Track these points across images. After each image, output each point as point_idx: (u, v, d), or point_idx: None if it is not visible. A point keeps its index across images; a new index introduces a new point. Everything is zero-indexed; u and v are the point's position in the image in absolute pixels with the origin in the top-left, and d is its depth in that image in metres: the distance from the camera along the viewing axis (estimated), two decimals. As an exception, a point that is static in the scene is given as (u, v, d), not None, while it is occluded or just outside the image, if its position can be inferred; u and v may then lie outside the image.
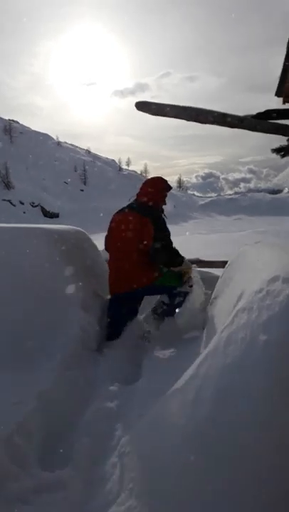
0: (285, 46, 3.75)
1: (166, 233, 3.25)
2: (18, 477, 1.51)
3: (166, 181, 3.50)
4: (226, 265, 2.72)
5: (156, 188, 3.41)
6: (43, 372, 2.18)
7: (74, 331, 2.75)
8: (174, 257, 3.34)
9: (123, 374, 2.51)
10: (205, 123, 4.30)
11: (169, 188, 3.52)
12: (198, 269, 4.79)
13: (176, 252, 3.36)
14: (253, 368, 1.05)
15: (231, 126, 4.17)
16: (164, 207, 3.49)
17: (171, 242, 3.30)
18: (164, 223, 3.29)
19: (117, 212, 3.35)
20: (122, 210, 3.32)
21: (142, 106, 4.49)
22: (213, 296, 2.77)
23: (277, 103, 4.41)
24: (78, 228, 3.65)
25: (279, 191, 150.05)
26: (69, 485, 1.53)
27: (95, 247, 3.75)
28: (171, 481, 1.10)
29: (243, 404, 1.02)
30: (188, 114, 4.19)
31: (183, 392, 1.26)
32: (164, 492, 1.10)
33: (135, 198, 3.41)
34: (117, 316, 3.19)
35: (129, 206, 3.31)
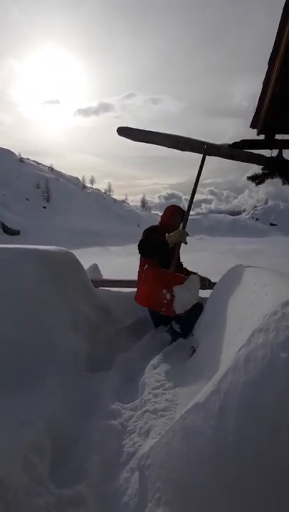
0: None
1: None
2: (40, 494, 1.56)
3: (174, 207, 4.09)
4: (216, 286, 2.88)
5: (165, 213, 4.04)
6: (47, 392, 2.22)
7: (64, 353, 2.79)
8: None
9: (120, 393, 2.58)
10: (184, 150, 4.53)
11: (178, 211, 3.99)
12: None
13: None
14: (277, 384, 1.18)
15: (209, 154, 4.40)
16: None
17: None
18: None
19: None
20: None
21: (124, 131, 4.66)
22: (204, 317, 2.91)
23: (246, 133, 4.74)
24: (66, 249, 3.72)
25: (239, 213, 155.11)
26: (88, 499, 1.60)
27: (82, 268, 3.82)
28: (203, 488, 1.20)
29: (267, 417, 1.15)
30: (169, 141, 4.39)
31: (206, 407, 1.37)
32: (197, 498, 1.20)
33: None
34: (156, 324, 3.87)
35: None
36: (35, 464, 1.70)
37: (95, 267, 4.65)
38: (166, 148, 4.66)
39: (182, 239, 3.59)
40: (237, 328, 1.78)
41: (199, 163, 4.03)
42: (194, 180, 3.99)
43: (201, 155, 4.25)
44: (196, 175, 4.07)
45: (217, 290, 2.81)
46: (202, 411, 1.40)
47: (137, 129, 4.54)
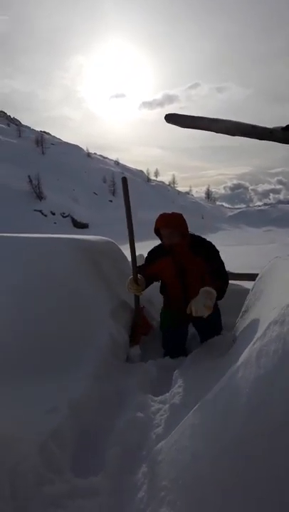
0: None
1: None
2: (52, 482, 1.56)
3: (161, 217, 3.06)
4: (257, 278, 2.71)
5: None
6: (75, 382, 2.23)
7: (104, 341, 2.80)
8: None
9: (154, 384, 2.52)
10: (234, 135, 4.31)
11: (165, 224, 3.02)
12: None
13: None
14: (287, 380, 1.05)
15: (260, 138, 4.15)
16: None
17: None
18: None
19: None
20: None
21: (171, 118, 4.54)
22: (243, 309, 2.75)
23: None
24: (108, 239, 3.72)
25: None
26: (102, 492, 1.56)
27: (124, 257, 3.80)
28: (209, 488, 1.10)
29: (276, 414, 1.03)
30: (217, 126, 4.21)
31: (214, 403, 1.27)
32: (202, 500, 1.11)
33: None
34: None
35: None
36: (54, 452, 1.70)
37: (140, 257, 4.61)
38: (232, 137, 4.48)
39: (135, 292, 3.06)
40: (263, 321, 1.64)
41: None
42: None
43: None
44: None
45: (257, 283, 2.63)
46: (210, 408, 1.29)
47: (184, 115, 4.40)
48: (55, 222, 72.24)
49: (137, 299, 3.32)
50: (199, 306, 2.54)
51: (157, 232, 3.07)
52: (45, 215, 74.00)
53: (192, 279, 3.00)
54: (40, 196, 77.44)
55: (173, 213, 3.05)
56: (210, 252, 2.98)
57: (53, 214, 75.32)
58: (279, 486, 0.94)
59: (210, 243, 3.06)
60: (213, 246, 3.04)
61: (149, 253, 3.24)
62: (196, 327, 3.32)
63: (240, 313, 2.85)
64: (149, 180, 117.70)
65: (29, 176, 77.71)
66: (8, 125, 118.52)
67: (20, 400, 1.98)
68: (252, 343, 1.31)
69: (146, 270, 3.14)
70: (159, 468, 1.43)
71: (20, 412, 1.85)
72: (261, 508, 0.96)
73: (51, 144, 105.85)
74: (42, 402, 2.01)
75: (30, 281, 2.81)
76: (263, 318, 1.75)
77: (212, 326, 3.16)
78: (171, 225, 2.96)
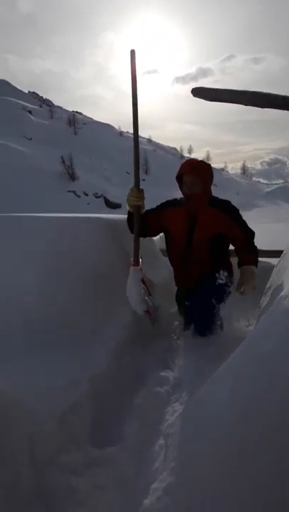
0: None
1: None
2: (70, 451, 1.62)
3: (186, 162, 2.90)
4: (282, 254, 2.64)
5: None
6: (96, 357, 2.28)
7: (127, 318, 2.85)
8: None
9: (175, 361, 2.55)
10: (263, 107, 4.14)
11: (187, 169, 2.83)
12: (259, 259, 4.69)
13: None
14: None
15: (291, 109, 3.97)
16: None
17: None
18: None
19: None
20: None
21: (198, 92, 4.42)
22: (267, 286, 2.70)
23: None
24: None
25: None
26: (117, 462, 1.62)
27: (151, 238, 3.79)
28: (213, 462, 1.12)
29: (280, 386, 1.01)
30: (245, 98, 4.06)
31: (223, 377, 1.28)
32: (204, 471, 1.12)
33: None
34: None
35: None
36: (73, 423, 1.77)
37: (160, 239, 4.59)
38: (269, 110, 4.33)
39: (133, 201, 2.77)
40: (282, 296, 1.61)
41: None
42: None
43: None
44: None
45: (281, 260, 2.57)
46: (219, 381, 1.30)
47: (211, 88, 4.26)
48: (88, 203, 72.93)
49: (137, 216, 2.82)
50: (250, 288, 2.76)
51: (179, 179, 2.86)
52: (79, 196, 74.77)
53: (201, 236, 2.78)
54: (73, 177, 78.12)
55: (201, 161, 2.88)
56: (232, 212, 2.81)
57: (86, 195, 75.96)
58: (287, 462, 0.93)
59: (231, 204, 2.88)
60: (235, 206, 2.87)
61: (161, 204, 3.03)
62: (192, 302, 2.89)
63: (265, 290, 2.80)
64: (182, 157, 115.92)
65: (62, 157, 78.35)
66: (41, 106, 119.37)
67: (44, 372, 2.05)
68: (265, 316, 1.29)
69: (154, 217, 2.92)
70: (172, 440, 1.45)
71: (42, 383, 1.93)
72: (274, 475, 0.95)
73: (83, 123, 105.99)
74: (64, 375, 2.08)
75: (58, 258, 2.88)
76: (284, 293, 1.72)
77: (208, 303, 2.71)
78: (196, 172, 2.75)
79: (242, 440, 1.07)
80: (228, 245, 3.01)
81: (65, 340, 2.42)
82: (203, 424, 1.25)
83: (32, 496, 1.41)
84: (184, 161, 2.87)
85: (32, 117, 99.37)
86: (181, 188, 2.87)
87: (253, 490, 0.97)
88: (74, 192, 75.30)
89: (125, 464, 1.61)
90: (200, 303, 2.73)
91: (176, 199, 3.00)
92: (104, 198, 77.25)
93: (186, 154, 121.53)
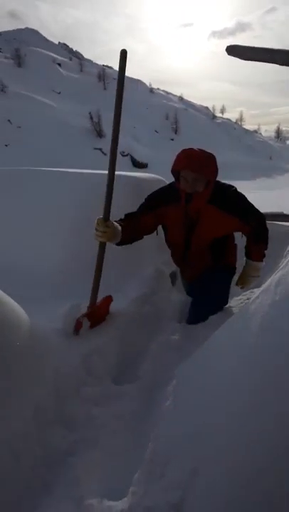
0: None
1: None
2: (92, 385, 1.82)
3: (183, 152, 2.36)
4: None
5: None
6: (120, 306, 2.44)
7: (149, 272, 2.99)
8: None
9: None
10: (302, 67, 4.01)
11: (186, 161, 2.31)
12: (281, 223, 4.72)
13: None
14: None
15: None
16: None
17: None
18: None
19: None
20: None
21: (233, 50, 4.29)
22: (288, 249, 2.77)
23: None
24: (158, 176, 3.76)
25: None
26: (135, 397, 1.80)
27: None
28: (217, 401, 1.24)
29: (285, 339, 1.12)
30: (282, 57, 3.93)
31: (231, 327, 1.39)
32: (209, 409, 1.27)
33: None
34: None
35: None
36: (96, 363, 1.96)
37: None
38: None
39: (97, 237, 2.27)
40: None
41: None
42: None
43: None
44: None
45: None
46: (227, 331, 1.41)
47: (246, 46, 4.13)
48: (115, 161, 71.94)
49: (101, 251, 2.32)
50: (250, 284, 2.67)
51: (176, 172, 2.38)
52: (105, 154, 73.82)
53: (199, 242, 2.50)
54: (100, 134, 76.94)
55: (203, 152, 2.32)
56: (237, 205, 2.40)
57: (113, 153, 74.88)
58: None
59: (234, 192, 2.44)
60: (238, 194, 2.44)
61: (149, 199, 2.59)
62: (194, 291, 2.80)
63: (285, 252, 2.86)
64: (214, 117, 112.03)
65: (90, 113, 76.96)
66: (71, 59, 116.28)
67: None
68: (275, 273, 1.38)
69: (146, 220, 2.51)
70: (177, 384, 1.60)
71: (71, 327, 2.10)
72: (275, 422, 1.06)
73: (113, 78, 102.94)
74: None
75: (83, 214, 3.00)
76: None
77: (211, 291, 2.59)
78: (199, 168, 2.25)
79: (249, 378, 1.19)
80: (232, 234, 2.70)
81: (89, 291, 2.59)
82: (211, 365, 1.38)
83: (55, 419, 1.60)
84: (181, 151, 2.33)
85: (61, 70, 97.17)
86: (176, 179, 2.41)
87: (260, 426, 1.05)
88: (100, 149, 74.41)
89: (142, 399, 1.79)
90: (199, 314, 2.50)
91: (165, 190, 2.58)
92: (131, 157, 76.14)
93: (218, 114, 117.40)
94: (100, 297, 2.31)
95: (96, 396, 1.76)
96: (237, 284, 2.72)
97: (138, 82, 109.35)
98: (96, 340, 2.10)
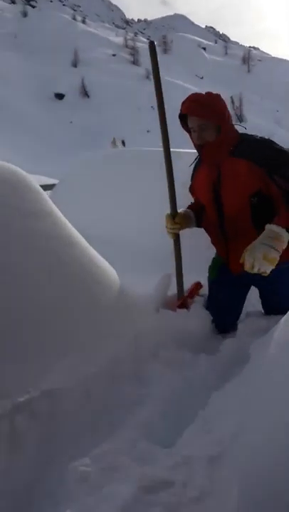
0: None
1: None
2: (170, 350, 2.00)
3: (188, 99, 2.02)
4: None
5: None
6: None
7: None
8: None
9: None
10: None
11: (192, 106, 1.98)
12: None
13: None
14: None
15: None
16: None
17: None
18: None
19: None
20: None
21: None
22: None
23: None
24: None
25: None
26: (208, 369, 1.90)
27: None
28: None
29: None
30: None
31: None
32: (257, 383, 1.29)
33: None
34: None
35: None
36: (179, 333, 2.11)
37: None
38: None
39: (169, 231, 2.23)
40: None
41: None
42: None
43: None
44: None
45: None
46: None
47: None
48: (253, 147, 69.49)
49: (177, 246, 2.29)
50: (257, 256, 1.74)
51: (184, 121, 2.04)
52: (243, 139, 71.75)
53: (230, 201, 2.03)
54: (240, 119, 74.86)
55: (207, 94, 1.99)
56: (265, 158, 1.90)
57: (252, 138, 72.33)
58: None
59: (264, 141, 1.99)
60: (271, 142, 1.98)
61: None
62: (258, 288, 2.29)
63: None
64: None
65: (231, 97, 75.34)
66: (216, 42, 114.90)
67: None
68: None
69: (193, 194, 2.36)
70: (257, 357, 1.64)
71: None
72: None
73: (258, 60, 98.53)
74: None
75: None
76: None
77: (278, 292, 2.13)
78: (202, 110, 1.92)
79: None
80: None
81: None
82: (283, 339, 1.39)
83: (129, 372, 1.81)
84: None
85: (206, 54, 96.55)
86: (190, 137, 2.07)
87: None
88: (240, 135, 72.56)
89: (215, 371, 1.89)
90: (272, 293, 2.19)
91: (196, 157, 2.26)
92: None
93: None
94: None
95: (171, 361, 1.90)
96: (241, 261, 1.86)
97: (285, 63, 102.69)
98: (184, 315, 2.22)
